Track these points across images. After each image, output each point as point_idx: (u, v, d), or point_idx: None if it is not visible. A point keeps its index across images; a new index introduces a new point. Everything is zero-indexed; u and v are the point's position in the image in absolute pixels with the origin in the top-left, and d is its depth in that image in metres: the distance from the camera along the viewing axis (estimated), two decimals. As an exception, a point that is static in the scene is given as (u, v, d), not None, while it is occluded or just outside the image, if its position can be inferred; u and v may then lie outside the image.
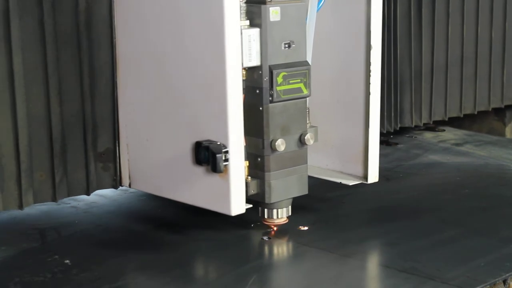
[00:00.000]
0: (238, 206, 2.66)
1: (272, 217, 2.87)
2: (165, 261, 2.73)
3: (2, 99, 2.77)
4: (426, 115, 4.16)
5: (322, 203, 3.23)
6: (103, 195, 3.33)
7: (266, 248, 2.82)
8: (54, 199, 2.92)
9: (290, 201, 2.88)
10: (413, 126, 4.10)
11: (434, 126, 4.51)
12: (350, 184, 3.04)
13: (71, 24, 2.87)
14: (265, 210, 2.86)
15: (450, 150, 4.10)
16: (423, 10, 4.03)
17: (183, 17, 2.70)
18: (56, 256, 2.73)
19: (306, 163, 2.86)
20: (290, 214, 2.90)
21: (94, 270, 2.64)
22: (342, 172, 3.11)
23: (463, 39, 4.22)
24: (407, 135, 4.35)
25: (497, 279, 2.55)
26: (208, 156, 2.63)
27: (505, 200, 3.33)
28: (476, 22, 4.26)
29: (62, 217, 3.11)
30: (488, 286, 2.52)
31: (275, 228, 2.91)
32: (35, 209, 3.18)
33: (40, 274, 2.60)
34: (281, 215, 2.87)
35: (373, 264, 2.66)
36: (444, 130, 4.50)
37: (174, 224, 3.01)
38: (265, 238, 2.88)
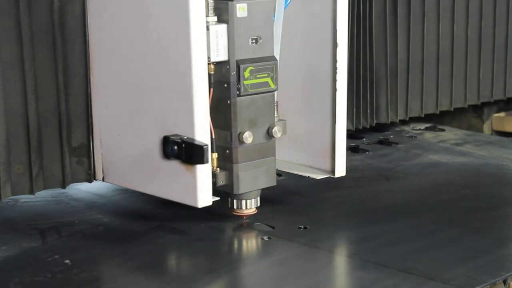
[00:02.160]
0: (205, 198, 2.74)
1: (241, 208, 2.95)
2: (166, 261, 2.74)
3: None
4: (402, 112, 4.21)
5: (322, 203, 3.23)
6: (103, 195, 3.33)
7: (266, 248, 2.82)
8: (31, 191, 2.99)
9: (259, 192, 2.96)
10: (389, 122, 4.16)
11: (434, 125, 4.52)
12: (317, 178, 3.11)
13: (46, 22, 2.94)
14: (234, 201, 2.94)
15: (450, 150, 4.10)
16: (398, 8, 4.06)
17: (150, 14, 2.77)
18: (56, 256, 2.73)
19: (274, 155, 2.95)
20: (258, 205, 2.96)
21: (94, 270, 2.64)
22: (311, 167, 3.17)
23: (439, 37, 4.25)
24: (407, 135, 4.35)
25: (497, 279, 2.55)
26: (183, 149, 2.70)
27: (505, 200, 3.33)
28: (452, 19, 4.29)
29: (62, 217, 3.11)
30: (488, 286, 2.52)
31: (245, 218, 2.98)
32: (34, 209, 3.18)
33: (40, 274, 2.60)
34: (249, 206, 2.95)
35: (373, 264, 2.66)
36: (444, 130, 4.50)
37: (175, 224, 3.01)
38: (265, 238, 2.88)
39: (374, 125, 4.11)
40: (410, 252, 2.76)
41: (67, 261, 2.69)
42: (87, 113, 3.05)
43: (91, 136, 3.07)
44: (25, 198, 3.23)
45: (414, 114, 4.26)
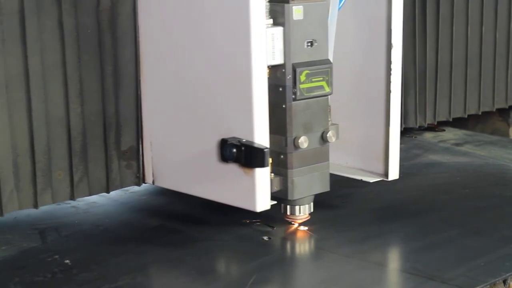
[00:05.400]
0: (263, 202, 2.68)
1: (294, 214, 2.90)
2: (165, 261, 2.73)
3: (17, 99, 2.76)
4: (430, 116, 4.13)
5: (322, 203, 3.23)
6: (103, 195, 3.33)
7: (266, 248, 2.82)
8: (72, 197, 2.93)
9: (312, 197, 2.91)
10: (417, 127, 4.08)
11: (435, 126, 4.51)
12: (371, 181, 3.07)
13: (92, 23, 2.87)
14: (288, 206, 2.89)
15: (450, 150, 4.10)
16: (427, 10, 4.00)
17: (207, 15, 2.71)
18: (56, 256, 2.73)
19: (328, 160, 2.89)
20: (312, 210, 2.92)
21: (94, 270, 2.64)
22: (362, 170, 3.14)
23: (468, 39, 4.19)
24: (407, 135, 4.35)
25: (497, 279, 2.55)
26: (241, 152, 2.64)
27: (505, 200, 3.33)
28: (480, 22, 4.24)
29: (62, 217, 3.11)
30: (488, 286, 2.52)
31: (296, 225, 2.94)
32: (35, 209, 3.18)
33: (40, 274, 2.60)
34: (303, 212, 2.90)
35: (373, 264, 2.66)
36: (444, 130, 4.49)
37: (175, 224, 3.01)
38: (265, 238, 2.88)
39: (402, 129, 4.03)
40: (410, 252, 2.76)
41: (67, 261, 2.70)
42: (136, 115, 2.99)
43: (140, 139, 3.01)
44: (25, 198, 3.23)
45: (442, 118, 4.17)
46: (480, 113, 4.33)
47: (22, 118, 2.78)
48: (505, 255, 2.74)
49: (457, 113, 4.24)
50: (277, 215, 2.95)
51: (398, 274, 2.59)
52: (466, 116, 4.27)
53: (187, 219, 3.05)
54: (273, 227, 2.97)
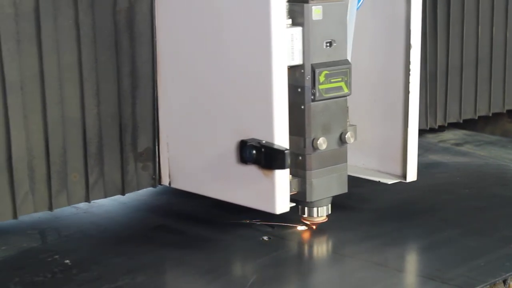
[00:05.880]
0: (282, 204, 2.65)
1: (312, 216, 2.87)
2: (165, 261, 2.74)
3: (32, 100, 2.73)
4: (441, 117, 4.09)
5: (322, 203, 3.23)
6: (103, 195, 3.33)
7: (266, 248, 2.82)
8: (87, 200, 2.89)
9: (330, 199, 2.88)
10: (428, 128, 4.05)
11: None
12: (389, 183, 3.04)
13: (109, 23, 2.83)
14: (305, 208, 2.86)
15: (450, 150, 4.10)
16: (438, 11, 3.98)
17: (226, 16, 2.69)
18: (56, 256, 2.73)
19: (346, 161, 2.86)
20: (330, 212, 2.89)
21: (94, 270, 2.64)
22: (379, 171, 3.12)
23: (478, 41, 4.17)
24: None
25: (497, 279, 2.55)
26: (261, 154, 2.60)
27: (505, 200, 3.33)
28: (491, 23, 4.21)
29: (62, 217, 3.11)
30: (488, 286, 2.52)
31: (314, 227, 2.92)
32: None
33: (40, 274, 2.60)
34: (321, 214, 2.87)
35: (373, 264, 2.66)
36: (444, 130, 4.49)
37: (175, 224, 3.01)
38: (265, 238, 2.88)
39: None
40: (410, 252, 2.76)
41: (67, 261, 2.70)
42: (153, 116, 2.96)
43: (157, 140, 2.98)
44: (25, 198, 3.23)
45: (452, 119, 4.14)
46: (490, 115, 4.30)
47: (37, 119, 2.75)
48: (505, 255, 2.74)
49: (468, 114, 4.20)
50: (277, 215, 2.95)
51: (398, 274, 2.58)
52: (476, 118, 4.24)
53: (187, 219, 3.05)
54: (273, 227, 2.97)
